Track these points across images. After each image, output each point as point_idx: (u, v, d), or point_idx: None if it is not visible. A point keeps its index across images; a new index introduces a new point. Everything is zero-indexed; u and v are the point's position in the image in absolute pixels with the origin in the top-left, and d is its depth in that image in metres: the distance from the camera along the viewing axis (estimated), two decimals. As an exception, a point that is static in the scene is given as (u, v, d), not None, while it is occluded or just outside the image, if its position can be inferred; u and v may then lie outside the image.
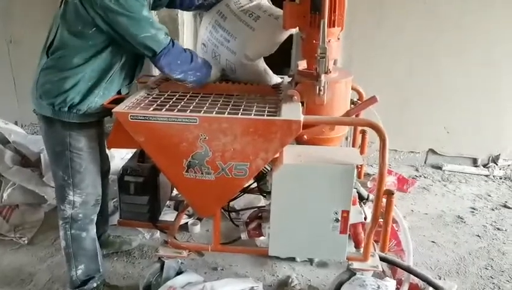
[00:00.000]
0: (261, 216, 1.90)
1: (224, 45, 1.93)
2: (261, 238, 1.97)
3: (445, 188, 3.23)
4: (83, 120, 1.75)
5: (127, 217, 2.05)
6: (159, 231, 2.44)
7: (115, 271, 2.19)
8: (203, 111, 1.66)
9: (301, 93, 1.77)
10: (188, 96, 1.85)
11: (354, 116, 1.82)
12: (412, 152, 3.57)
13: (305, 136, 1.78)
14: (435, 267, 2.31)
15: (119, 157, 2.87)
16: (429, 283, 1.93)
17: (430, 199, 3.05)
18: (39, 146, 2.73)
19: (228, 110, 1.68)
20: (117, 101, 1.76)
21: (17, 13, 3.54)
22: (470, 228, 2.69)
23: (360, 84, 2.11)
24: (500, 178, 3.38)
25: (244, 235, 1.91)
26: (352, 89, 1.93)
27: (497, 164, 3.48)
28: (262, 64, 2.00)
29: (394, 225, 2.28)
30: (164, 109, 1.67)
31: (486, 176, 3.41)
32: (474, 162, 3.54)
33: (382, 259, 1.91)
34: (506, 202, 3.01)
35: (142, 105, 1.73)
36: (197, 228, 2.54)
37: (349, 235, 1.77)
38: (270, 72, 2.05)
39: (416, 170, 3.52)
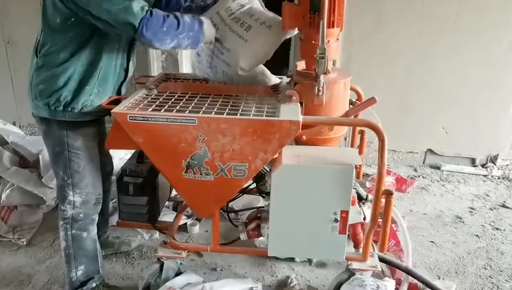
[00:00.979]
0: (260, 217, 1.90)
1: (219, 57, 1.89)
2: (260, 238, 1.97)
3: (444, 188, 3.23)
4: (79, 118, 1.75)
5: (126, 218, 2.05)
6: (158, 232, 2.44)
7: (114, 272, 2.18)
8: (201, 112, 1.66)
9: (300, 93, 1.76)
10: (186, 97, 1.85)
11: (352, 116, 1.83)
12: (410, 152, 3.58)
13: (304, 137, 1.78)
14: (434, 267, 2.31)
15: (118, 158, 2.86)
16: (427, 284, 1.94)
17: (429, 199, 3.06)
18: (38, 147, 2.73)
19: (227, 110, 1.67)
20: (116, 102, 1.76)
21: (15, 14, 3.53)
22: (469, 228, 2.69)
23: (358, 85, 2.11)
24: (499, 178, 3.39)
25: (243, 236, 1.91)
26: (351, 89, 1.92)
27: (495, 164, 3.48)
28: (259, 67, 2.00)
29: (393, 225, 2.29)
30: (163, 110, 1.67)
31: (485, 176, 3.42)
32: (473, 162, 3.54)
33: (381, 259, 1.91)
34: (504, 201, 3.02)
35: (140, 106, 1.73)
36: (196, 229, 2.54)
37: (348, 235, 1.77)
38: (268, 73, 2.04)
39: (415, 170, 3.52)
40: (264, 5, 2.01)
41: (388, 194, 1.68)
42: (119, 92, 1.87)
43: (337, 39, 1.81)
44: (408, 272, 1.97)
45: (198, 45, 1.76)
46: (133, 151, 2.21)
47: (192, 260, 2.21)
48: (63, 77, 1.67)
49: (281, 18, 1.83)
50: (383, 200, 1.70)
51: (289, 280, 2.14)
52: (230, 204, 2.26)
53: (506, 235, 2.63)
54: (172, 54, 3.40)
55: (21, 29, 3.57)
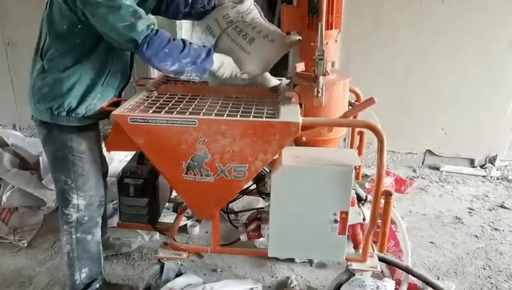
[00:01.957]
0: (260, 218, 1.91)
1: None
2: (260, 239, 1.98)
3: (443, 188, 3.24)
4: (82, 123, 1.75)
5: (127, 219, 2.05)
6: (158, 233, 2.44)
7: (114, 273, 2.19)
8: (202, 113, 1.67)
9: (299, 95, 1.77)
10: (187, 99, 1.86)
11: (352, 117, 1.84)
12: (409, 153, 3.59)
13: (303, 138, 1.79)
14: (433, 268, 2.32)
15: (118, 159, 2.88)
16: (427, 283, 1.95)
17: (428, 200, 3.07)
18: (38, 149, 2.73)
19: (227, 112, 1.69)
20: (116, 104, 1.77)
21: (15, 15, 3.54)
22: (468, 229, 2.70)
23: (357, 86, 2.12)
24: (497, 179, 3.40)
25: (243, 237, 1.91)
26: (350, 90, 1.94)
27: (494, 165, 3.50)
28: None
29: (392, 225, 2.30)
30: (163, 112, 1.68)
31: (484, 176, 3.43)
32: (472, 162, 3.56)
33: (381, 260, 1.92)
34: (503, 202, 3.03)
35: (141, 107, 1.73)
36: (196, 230, 2.55)
37: (348, 236, 1.78)
38: (267, 75, 2.06)
39: (414, 171, 3.53)
40: (263, 14, 2.02)
41: (387, 194, 1.69)
42: (120, 95, 1.89)
43: (336, 41, 1.83)
44: (408, 271, 1.98)
45: (205, 75, 1.74)
46: (133, 153, 2.21)
47: (193, 261, 2.21)
48: (68, 82, 1.67)
49: (282, 32, 1.86)
50: (383, 201, 1.72)
51: (289, 281, 2.15)
52: (230, 205, 2.27)
53: (505, 235, 2.64)
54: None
55: (21, 30, 3.58)
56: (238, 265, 2.26)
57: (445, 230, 2.68)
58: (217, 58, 1.77)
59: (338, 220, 1.71)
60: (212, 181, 1.69)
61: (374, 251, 1.91)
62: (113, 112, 1.65)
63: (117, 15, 1.52)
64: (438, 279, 2.22)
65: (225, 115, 1.65)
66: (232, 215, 2.39)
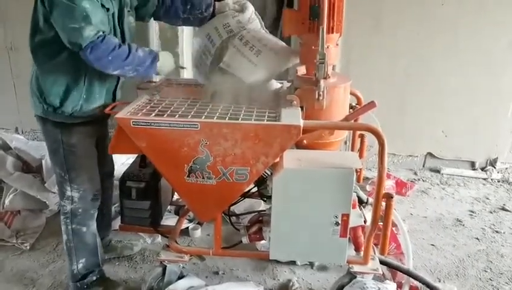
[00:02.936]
0: (261, 220, 1.92)
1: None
2: (262, 242, 1.99)
3: (444, 191, 3.25)
4: (71, 121, 1.80)
5: (129, 221, 2.07)
6: (160, 236, 2.45)
7: (116, 276, 2.20)
8: (204, 116, 1.68)
9: (300, 98, 1.79)
10: (189, 102, 1.88)
11: (352, 120, 1.85)
12: (410, 156, 3.60)
13: (304, 141, 1.80)
14: (434, 270, 2.32)
15: (120, 162, 2.89)
16: (428, 285, 1.95)
17: (429, 203, 3.07)
18: (40, 152, 2.76)
19: (229, 115, 1.70)
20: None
21: (17, 20, 3.56)
22: (469, 231, 2.71)
23: (358, 89, 2.13)
24: (498, 181, 3.41)
25: (245, 239, 1.93)
26: (350, 94, 1.95)
27: (495, 167, 3.50)
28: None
29: (393, 228, 2.30)
30: (166, 115, 1.70)
31: (485, 179, 3.44)
32: (472, 165, 3.56)
33: (382, 262, 1.93)
34: (504, 204, 3.04)
35: (143, 111, 1.75)
36: (198, 233, 2.56)
37: (349, 238, 1.78)
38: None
39: (415, 173, 3.54)
40: (263, 24, 2.04)
41: (388, 197, 1.70)
42: (113, 97, 1.91)
43: (337, 44, 1.84)
44: (409, 273, 1.99)
45: (145, 78, 1.87)
46: (135, 156, 2.23)
47: (195, 263, 2.22)
48: (47, 80, 1.74)
49: (286, 45, 1.89)
50: (384, 203, 1.72)
51: (290, 283, 2.15)
52: (231, 208, 2.27)
53: (506, 238, 2.64)
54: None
55: (23, 35, 3.57)
56: (240, 268, 2.27)
57: (446, 232, 2.69)
58: (163, 62, 1.82)
59: (339, 222, 1.71)
60: (214, 184, 1.71)
61: (375, 253, 1.92)
62: (116, 115, 1.67)
63: (69, 15, 1.58)
64: (439, 281, 2.22)
65: (227, 118, 1.67)
66: (234, 217, 2.40)
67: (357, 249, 2.04)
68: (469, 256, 2.45)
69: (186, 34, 3.48)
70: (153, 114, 1.71)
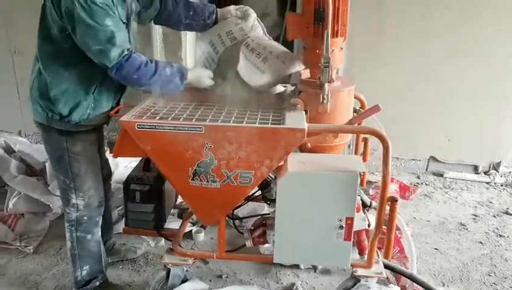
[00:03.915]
0: (265, 224, 1.91)
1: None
2: (265, 245, 1.98)
3: (447, 195, 3.25)
4: (77, 129, 1.79)
5: (133, 224, 2.06)
6: (163, 239, 2.45)
7: (120, 279, 2.20)
8: (208, 120, 1.69)
9: (304, 101, 1.79)
10: (193, 105, 1.88)
11: (356, 124, 1.85)
12: (413, 160, 3.60)
13: (308, 144, 1.81)
14: (438, 274, 2.32)
15: (123, 165, 2.89)
16: (431, 290, 1.95)
17: (432, 206, 3.07)
18: (44, 155, 2.74)
19: (233, 118, 1.71)
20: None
21: (21, 23, 3.58)
22: (473, 235, 2.70)
23: (361, 93, 2.14)
24: (501, 185, 3.40)
25: (249, 243, 1.92)
26: (354, 97, 1.95)
27: (498, 171, 3.49)
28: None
29: (397, 232, 2.30)
30: (170, 118, 1.71)
31: (488, 183, 3.43)
32: (475, 169, 3.56)
33: (386, 266, 1.92)
34: (507, 208, 3.03)
35: (148, 114, 1.76)
36: (201, 236, 2.55)
37: (353, 242, 1.78)
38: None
39: (418, 177, 3.53)
40: (266, 31, 2.05)
41: (393, 201, 1.70)
42: (118, 103, 1.91)
43: (341, 48, 1.84)
44: (412, 278, 1.98)
45: (173, 95, 1.82)
46: (138, 159, 2.23)
47: (198, 267, 2.22)
48: (58, 89, 1.71)
49: (289, 51, 1.91)
50: (388, 207, 1.72)
51: (294, 287, 2.15)
52: (235, 211, 2.28)
53: (509, 242, 2.63)
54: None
55: (27, 39, 3.58)
56: (243, 271, 2.26)
57: (450, 236, 2.68)
58: (193, 79, 1.82)
59: (343, 226, 1.71)
60: (218, 187, 1.71)
61: (379, 257, 1.91)
62: (121, 119, 1.67)
63: (93, 36, 1.58)
64: (443, 285, 2.22)
65: (231, 121, 1.67)
66: (237, 221, 2.40)
67: (361, 252, 2.03)
68: (473, 260, 2.44)
69: (189, 38, 3.49)
70: (158, 117, 1.72)
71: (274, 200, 1.79)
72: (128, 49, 1.65)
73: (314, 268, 2.27)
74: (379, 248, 1.94)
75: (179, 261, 1.92)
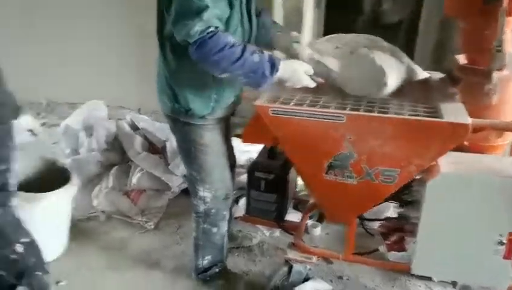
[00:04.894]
0: (403, 229, 1.71)
1: None
2: (400, 253, 1.78)
3: None
4: (203, 122, 1.70)
5: (254, 213, 2.01)
6: (279, 230, 2.35)
7: (236, 267, 2.14)
8: (348, 108, 1.51)
9: (462, 92, 1.53)
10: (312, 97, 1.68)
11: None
12: None
13: (465, 142, 1.55)
14: None
15: (240, 150, 2.84)
16: None
17: None
18: (165, 134, 2.81)
19: (377, 108, 1.50)
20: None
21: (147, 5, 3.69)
22: None
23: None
24: None
25: (382, 248, 1.74)
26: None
27: None
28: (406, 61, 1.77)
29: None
30: (305, 105, 1.56)
31: None
32: None
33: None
34: None
35: (281, 99, 1.62)
36: (318, 231, 2.40)
37: (512, 261, 1.50)
38: (415, 67, 1.82)
39: None
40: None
41: None
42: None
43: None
44: None
45: (260, 88, 1.53)
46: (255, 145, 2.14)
47: (318, 264, 2.08)
48: (180, 82, 1.63)
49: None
50: None
51: (426, 302, 1.91)
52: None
53: None
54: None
55: (151, 19, 3.72)
56: (367, 275, 2.06)
57: None
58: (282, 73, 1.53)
59: (504, 242, 1.45)
60: (355, 183, 1.54)
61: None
62: (255, 102, 1.58)
63: (184, 9, 1.42)
64: None
65: (376, 111, 1.48)
66: (358, 221, 2.21)
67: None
68: None
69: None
70: (292, 103, 1.58)
71: (411, 203, 1.59)
72: (216, 28, 1.44)
73: (453, 283, 1.99)
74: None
75: (303, 259, 1.80)
